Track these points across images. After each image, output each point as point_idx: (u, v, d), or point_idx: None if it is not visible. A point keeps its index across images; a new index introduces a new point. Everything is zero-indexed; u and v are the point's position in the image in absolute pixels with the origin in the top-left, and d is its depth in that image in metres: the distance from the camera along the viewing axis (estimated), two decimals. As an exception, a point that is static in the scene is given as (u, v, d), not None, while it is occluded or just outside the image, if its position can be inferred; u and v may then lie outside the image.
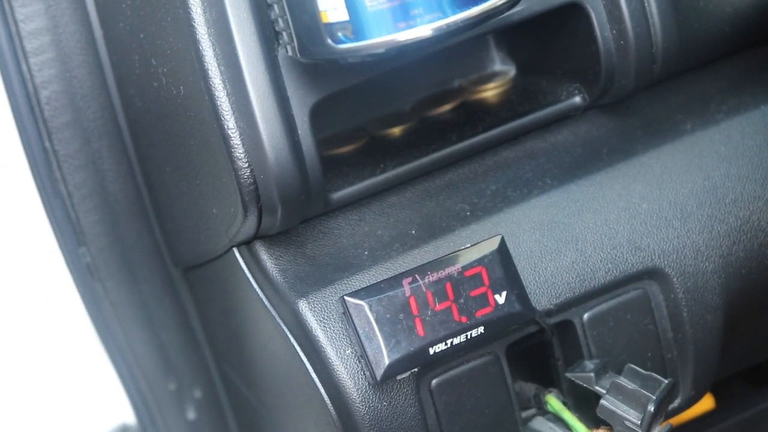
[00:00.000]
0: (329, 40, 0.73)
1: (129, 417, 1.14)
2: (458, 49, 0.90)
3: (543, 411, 0.87)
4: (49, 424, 1.15)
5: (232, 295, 0.89)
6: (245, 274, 0.84)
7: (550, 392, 0.86)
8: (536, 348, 0.86)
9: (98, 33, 0.94)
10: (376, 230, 0.85)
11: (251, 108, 0.76)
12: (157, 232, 1.00)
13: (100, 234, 0.99)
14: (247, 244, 0.84)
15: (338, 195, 0.84)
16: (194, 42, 0.76)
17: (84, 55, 0.94)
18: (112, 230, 0.99)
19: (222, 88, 0.76)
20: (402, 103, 0.95)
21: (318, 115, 0.80)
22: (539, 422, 0.86)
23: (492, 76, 0.95)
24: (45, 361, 1.12)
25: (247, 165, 0.77)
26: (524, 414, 0.86)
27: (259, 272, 0.84)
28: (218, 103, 0.76)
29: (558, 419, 0.85)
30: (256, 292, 0.84)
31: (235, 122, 0.76)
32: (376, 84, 0.90)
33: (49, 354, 1.12)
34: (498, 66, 0.96)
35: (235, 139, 0.76)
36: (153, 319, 1.03)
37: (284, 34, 0.75)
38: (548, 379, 0.87)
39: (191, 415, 1.07)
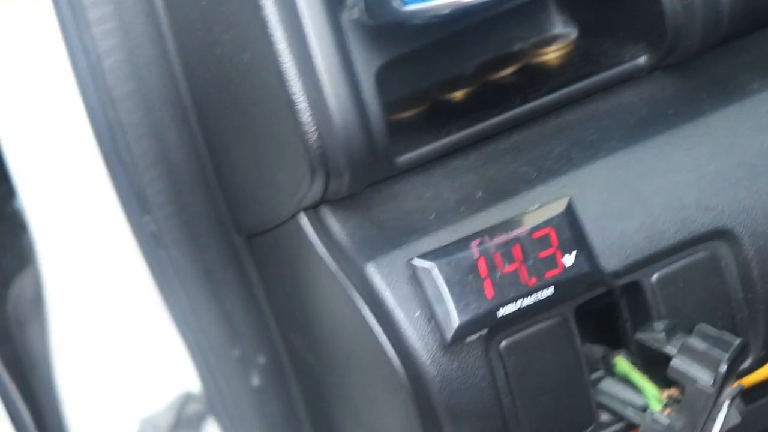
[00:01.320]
0: (395, 2, 0.72)
1: (193, 384, 1.15)
2: (519, 11, 0.90)
3: (611, 373, 0.86)
4: (114, 391, 1.16)
5: (297, 261, 0.90)
6: (311, 238, 0.84)
7: (618, 354, 0.86)
8: (604, 310, 0.86)
9: (159, 1, 0.94)
10: (442, 193, 0.85)
11: (317, 72, 0.76)
12: (221, 200, 1.01)
13: (164, 202, 0.99)
14: (312, 209, 0.84)
15: (403, 159, 0.84)
16: (258, 7, 0.76)
17: (146, 24, 0.95)
18: (176, 198, 0.99)
19: (287, 53, 0.76)
20: (463, 67, 0.95)
21: (383, 78, 0.80)
22: (608, 383, 0.85)
23: (553, 39, 0.94)
24: (111, 330, 1.13)
25: (314, 129, 0.77)
26: (593, 376, 0.86)
27: (325, 237, 0.84)
28: (284, 68, 0.76)
29: (627, 381, 0.85)
30: (323, 257, 0.84)
31: (302, 86, 0.76)
32: (437, 47, 0.90)
33: (116, 322, 1.13)
34: (560, 28, 0.96)
35: (302, 104, 0.77)
36: (217, 287, 1.04)
37: (350, -4, 0.75)
38: (616, 341, 0.87)
39: (255, 381, 1.08)
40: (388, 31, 0.78)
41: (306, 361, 1.03)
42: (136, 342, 1.15)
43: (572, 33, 0.95)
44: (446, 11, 0.74)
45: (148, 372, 1.16)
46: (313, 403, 1.09)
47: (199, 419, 1.17)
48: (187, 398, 1.19)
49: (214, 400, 1.09)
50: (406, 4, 0.73)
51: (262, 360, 1.07)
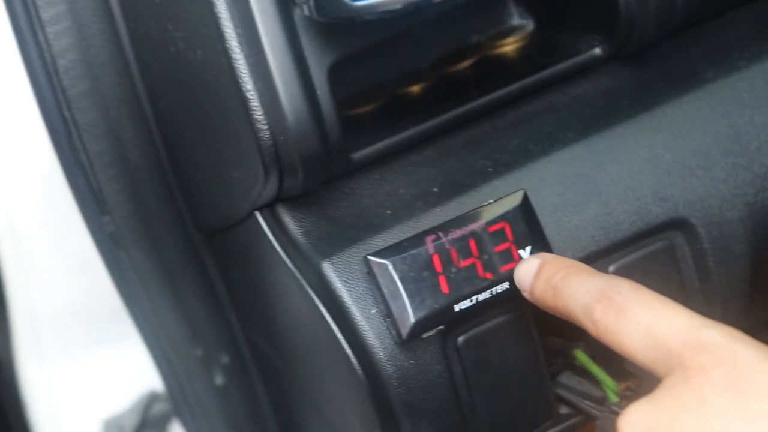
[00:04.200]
0: (346, -2, 0.72)
1: (158, 384, 1.15)
2: (476, 4, 0.89)
3: (571, 365, 0.86)
4: (78, 391, 1.16)
5: (255, 259, 0.89)
6: (268, 237, 0.84)
7: (577, 346, 0.86)
8: (562, 302, 0.86)
9: (113, 0, 0.93)
10: (399, 189, 0.85)
11: (269, 69, 0.76)
12: (179, 199, 1.00)
13: (122, 202, 0.99)
14: (269, 207, 0.84)
15: (359, 155, 0.83)
16: (210, 5, 0.76)
17: (100, 23, 0.94)
18: (134, 198, 0.99)
19: (239, 51, 0.76)
20: (421, 61, 0.94)
21: (337, 74, 0.79)
22: (567, 376, 0.85)
23: (511, 31, 0.94)
24: (74, 330, 1.13)
25: (266, 127, 0.76)
26: (552, 368, 0.86)
27: (282, 235, 0.84)
28: (236, 65, 0.76)
29: (586, 373, 0.85)
30: (280, 255, 0.84)
31: (254, 84, 0.76)
32: (395, 42, 0.89)
33: (77, 323, 1.12)
34: (516, 20, 0.96)
35: (254, 102, 0.76)
36: (178, 286, 1.03)
37: (299, -7, 0.75)
38: (576, 334, 0.87)
39: (219, 380, 1.08)
40: (341, 28, 0.78)
41: (269, 359, 1.03)
42: (99, 342, 1.15)
43: (529, 25, 0.95)
44: (398, 6, 0.74)
45: (112, 372, 1.16)
46: (278, 401, 1.09)
47: (164, 419, 1.17)
48: (152, 398, 1.18)
49: (177, 400, 1.08)
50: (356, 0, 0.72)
51: (225, 359, 1.07)
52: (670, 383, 0.63)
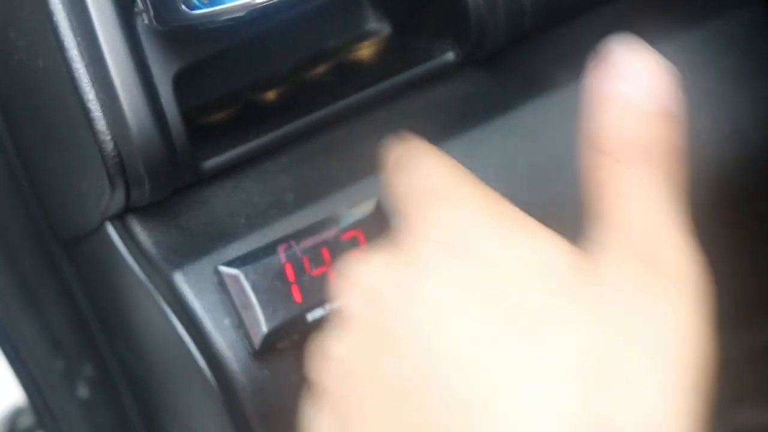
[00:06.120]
0: (183, 6, 0.71)
1: (22, 398, 1.12)
2: (331, 7, 0.89)
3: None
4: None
5: (110, 270, 0.88)
6: (119, 248, 0.83)
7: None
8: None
9: (-42, 6, 0.91)
10: (253, 197, 0.84)
11: (111, 79, 0.74)
12: (35, 209, 0.98)
13: (-28, 213, 0.96)
14: (119, 218, 0.82)
15: (210, 163, 0.82)
16: (48, 13, 0.74)
17: (-56, 30, 0.91)
18: (-15, 208, 0.96)
19: (80, 60, 0.74)
20: (278, 66, 0.93)
21: (189, 82, 0.78)
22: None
23: (367, 35, 0.94)
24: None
25: (109, 137, 0.75)
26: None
27: (133, 245, 0.82)
28: (77, 75, 0.74)
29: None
30: (131, 267, 0.82)
31: (96, 94, 0.74)
32: (251, 47, 0.88)
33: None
34: (373, 24, 0.95)
35: (96, 112, 0.75)
36: (36, 298, 1.01)
37: (138, 1, 0.73)
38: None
39: (83, 392, 1.06)
40: (185, 36, 0.77)
41: (134, 369, 1.01)
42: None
43: (385, 29, 0.94)
44: (241, 14, 0.73)
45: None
46: (145, 411, 1.07)
47: (30, 433, 1.14)
48: (18, 412, 1.16)
49: (41, 413, 1.06)
50: (194, 8, 0.71)
51: (89, 370, 1.05)
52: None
